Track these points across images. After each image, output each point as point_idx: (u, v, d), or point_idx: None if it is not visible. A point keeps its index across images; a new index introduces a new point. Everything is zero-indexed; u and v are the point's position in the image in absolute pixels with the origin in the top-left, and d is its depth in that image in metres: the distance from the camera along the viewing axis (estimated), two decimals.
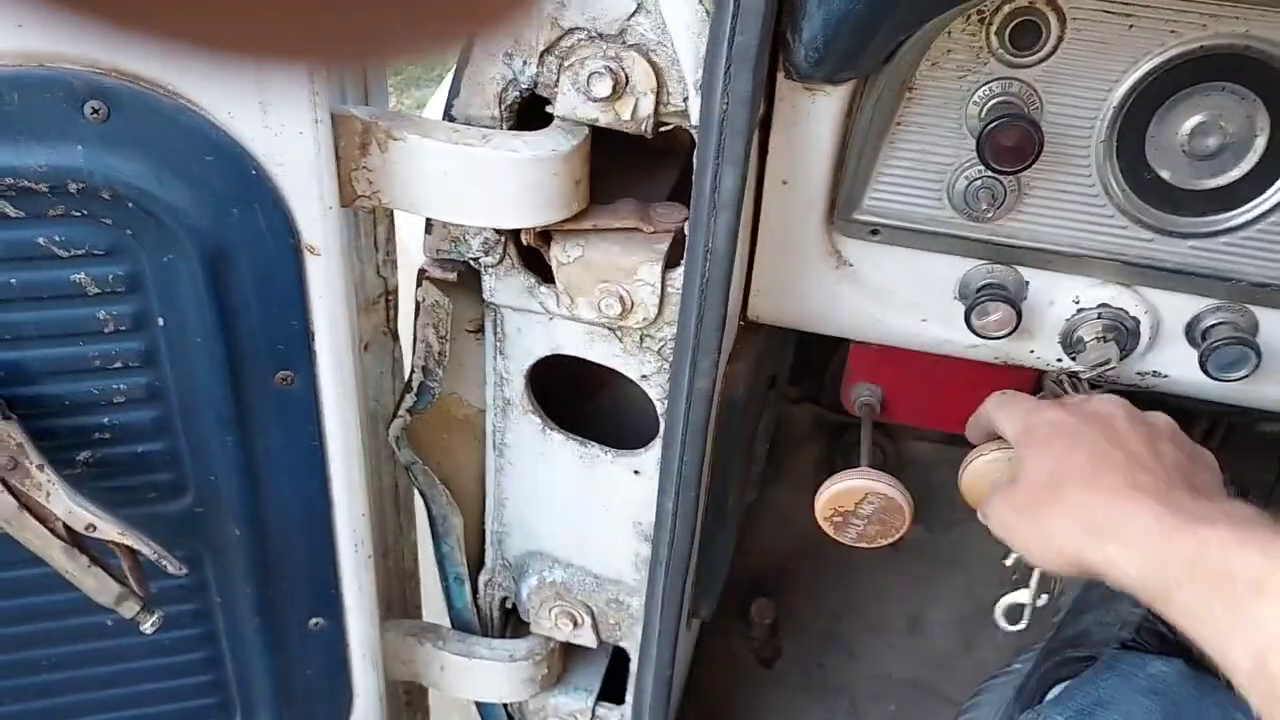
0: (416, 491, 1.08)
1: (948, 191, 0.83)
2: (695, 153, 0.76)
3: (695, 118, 0.76)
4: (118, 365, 0.80)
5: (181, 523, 0.89)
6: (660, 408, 0.93)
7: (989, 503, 0.82)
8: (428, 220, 0.89)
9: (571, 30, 0.75)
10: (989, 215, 0.82)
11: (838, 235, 0.87)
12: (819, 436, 1.46)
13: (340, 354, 0.84)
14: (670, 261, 0.85)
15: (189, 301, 0.78)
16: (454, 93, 0.82)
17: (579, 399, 1.09)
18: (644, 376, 0.92)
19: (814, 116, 0.77)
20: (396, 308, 1.08)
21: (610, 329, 0.90)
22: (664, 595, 0.96)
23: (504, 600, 1.15)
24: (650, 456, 0.97)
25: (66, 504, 0.79)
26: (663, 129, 0.79)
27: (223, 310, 0.79)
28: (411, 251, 1.04)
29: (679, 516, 0.91)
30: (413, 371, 0.99)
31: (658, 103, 0.77)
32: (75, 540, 0.81)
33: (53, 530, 0.80)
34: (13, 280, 0.74)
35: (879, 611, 1.42)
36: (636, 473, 0.98)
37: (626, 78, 0.76)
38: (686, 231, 0.83)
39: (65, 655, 0.94)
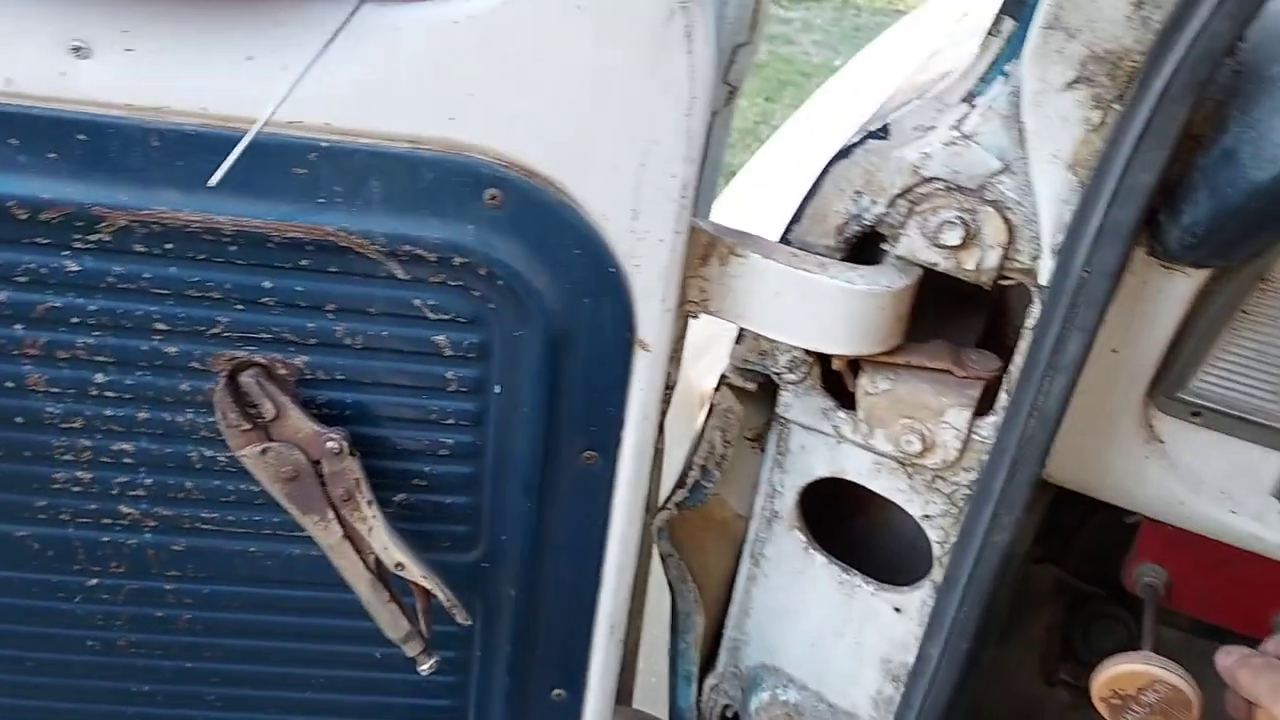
0: (668, 584, 1.11)
1: None
2: (1039, 311, 0.76)
3: (1043, 278, 0.77)
4: (450, 422, 0.86)
5: (465, 574, 0.94)
6: (938, 550, 0.92)
7: None
8: (740, 331, 0.93)
9: (930, 179, 0.78)
10: None
11: (1156, 411, 0.85)
12: (1057, 601, 1.40)
13: (644, 444, 0.88)
14: (979, 409, 0.86)
15: (525, 374, 0.84)
16: (795, 219, 0.86)
17: (834, 516, 1.10)
18: (927, 517, 0.92)
19: (1164, 294, 0.77)
20: (669, 401, 1.13)
21: (902, 464, 0.90)
22: None
23: (726, 708, 1.15)
24: (915, 597, 0.96)
25: (384, 540, 0.85)
26: (1004, 282, 0.80)
27: (553, 387, 0.84)
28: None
29: (943, 666, 0.89)
30: (690, 469, 1.02)
31: (1004, 257, 0.79)
32: (382, 575, 0.87)
33: (365, 563, 0.86)
34: (384, 333, 0.82)
35: None
36: (898, 610, 0.97)
37: (977, 230, 0.78)
38: (1007, 383, 0.83)
39: (331, 678, 1.00)
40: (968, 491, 0.88)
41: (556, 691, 1.02)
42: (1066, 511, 1.33)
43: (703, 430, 1.00)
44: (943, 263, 0.80)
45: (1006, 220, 0.77)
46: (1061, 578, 1.38)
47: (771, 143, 2.59)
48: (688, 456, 1.04)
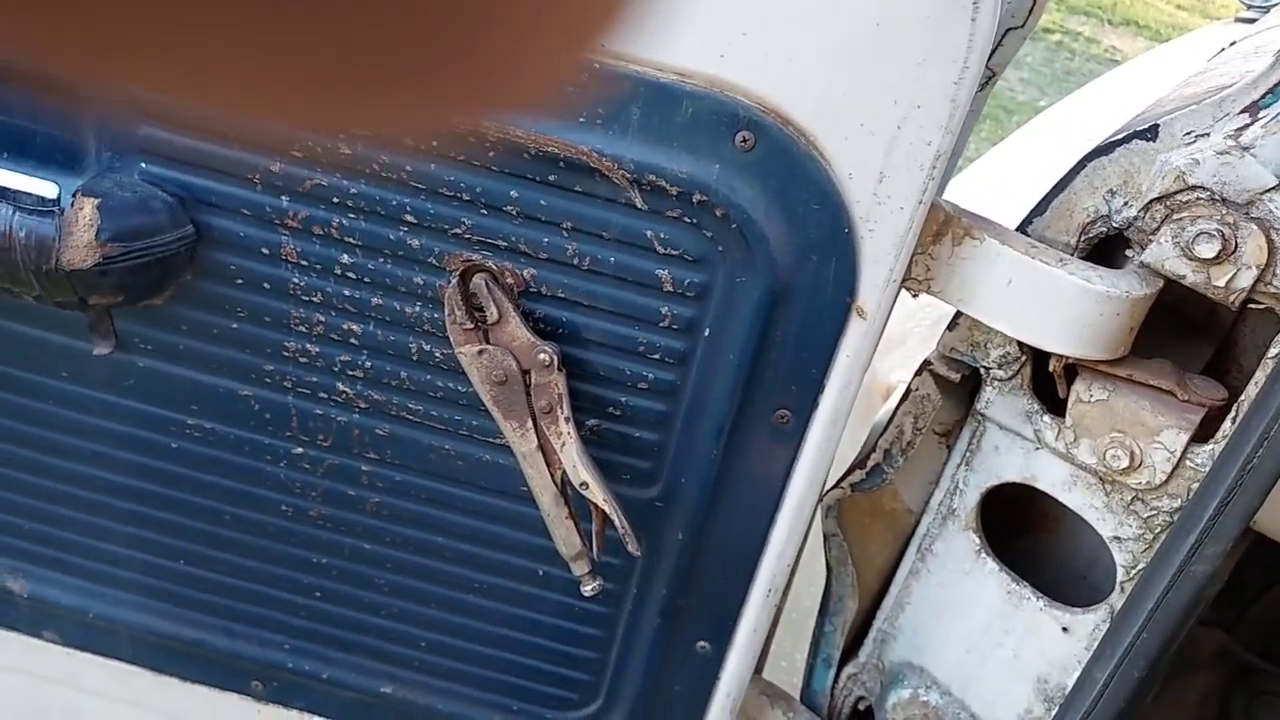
0: (826, 564, 1.11)
1: None
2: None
3: None
4: (655, 356, 0.88)
5: (638, 510, 0.96)
6: (1122, 575, 0.89)
7: None
8: (954, 319, 0.92)
9: (1194, 188, 0.76)
10: None
11: None
12: (1218, 669, 1.33)
13: (839, 412, 0.89)
14: (1196, 436, 0.83)
15: (738, 322, 0.85)
16: (1038, 211, 0.85)
17: (998, 531, 1.07)
18: (1117, 539, 0.89)
19: None
20: None
21: (1101, 479, 0.88)
22: None
23: (860, 700, 1.14)
24: (1088, 619, 0.93)
25: (574, 458, 0.88)
26: (1251, 305, 0.77)
27: (762, 339, 0.86)
28: None
29: (1108, 691, 0.86)
30: (873, 450, 1.02)
31: (1258, 279, 0.75)
32: (565, 492, 0.90)
33: (553, 477, 0.89)
34: (612, 259, 0.84)
35: None
36: (1065, 630, 0.94)
37: (1236, 246, 0.75)
38: (1236, 412, 0.80)
39: (492, 585, 1.04)
40: (1167, 519, 0.85)
41: (701, 644, 1.03)
42: (1248, 576, 1.27)
43: (893, 415, 0.99)
44: (1191, 276, 0.78)
45: (1270, 240, 0.74)
46: (1228, 645, 1.31)
47: (966, 172, 2.53)
48: (871, 439, 1.04)
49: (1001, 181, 2.28)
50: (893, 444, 0.99)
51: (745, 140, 0.78)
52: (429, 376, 0.92)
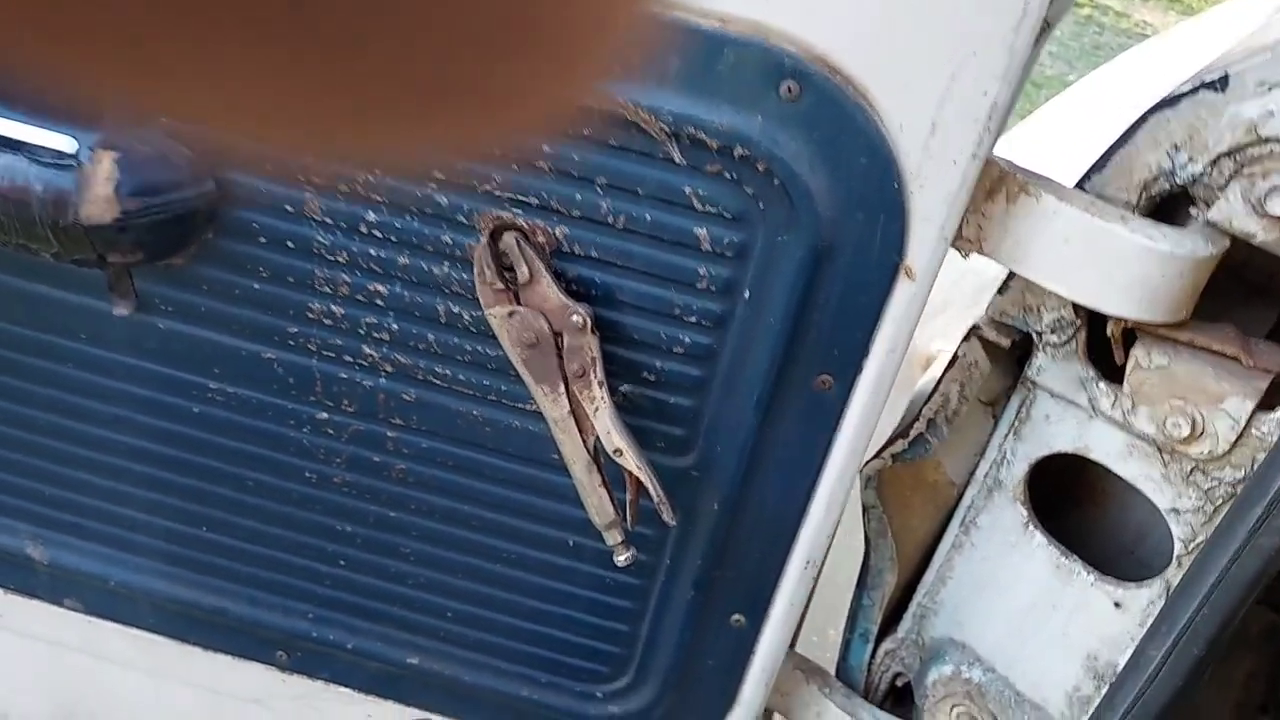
0: (864, 537, 1.07)
1: None
2: None
3: None
4: (692, 320, 0.85)
5: (673, 479, 0.93)
6: (1180, 549, 0.86)
7: None
8: (1005, 281, 0.89)
9: (1268, 140, 0.71)
10: None
11: None
12: (1265, 648, 1.29)
13: (884, 377, 0.85)
14: (1262, 404, 0.79)
15: (779, 283, 0.82)
16: (1098, 167, 0.80)
17: (1054, 499, 1.04)
18: (1174, 510, 0.85)
19: None
20: None
21: (1160, 449, 0.84)
22: None
23: (898, 676, 1.11)
24: (1142, 595, 0.89)
25: (607, 424, 0.85)
26: None
27: (804, 301, 0.82)
28: None
29: (1164, 671, 0.83)
30: (916, 419, 0.98)
31: None
32: (598, 459, 0.87)
33: (585, 443, 0.86)
34: (648, 216, 0.81)
35: None
36: (1117, 605, 0.91)
37: None
38: None
39: (521, 556, 1.02)
40: (1229, 490, 0.81)
41: (736, 617, 1.01)
42: None
43: (939, 382, 0.96)
44: (1261, 234, 0.73)
45: None
46: (1277, 623, 1.27)
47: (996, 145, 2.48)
48: (914, 408, 1.00)
49: (1031, 154, 2.22)
50: (937, 412, 0.96)
51: (790, 90, 0.74)
52: (457, 339, 0.89)
